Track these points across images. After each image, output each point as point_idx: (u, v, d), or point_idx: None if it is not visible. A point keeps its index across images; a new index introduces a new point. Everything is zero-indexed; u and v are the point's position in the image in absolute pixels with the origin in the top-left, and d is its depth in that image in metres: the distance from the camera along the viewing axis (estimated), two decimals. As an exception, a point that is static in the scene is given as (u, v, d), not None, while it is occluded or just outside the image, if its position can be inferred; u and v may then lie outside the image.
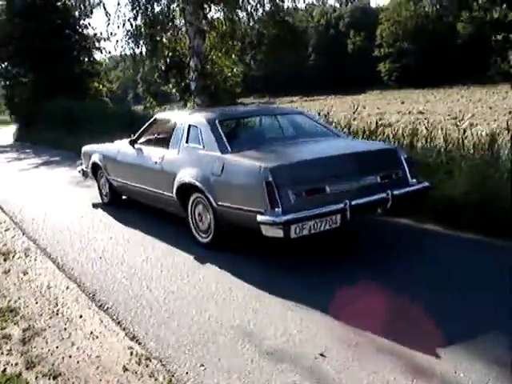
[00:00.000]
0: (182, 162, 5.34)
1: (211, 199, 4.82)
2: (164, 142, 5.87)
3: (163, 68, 18.19)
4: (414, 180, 5.07)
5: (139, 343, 3.40)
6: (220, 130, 5.10)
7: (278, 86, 61.46)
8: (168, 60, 17.75)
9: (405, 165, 5.05)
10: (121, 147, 6.70)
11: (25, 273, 5.00)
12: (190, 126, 5.44)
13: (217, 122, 5.21)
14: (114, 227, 6.31)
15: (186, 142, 5.40)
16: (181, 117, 5.71)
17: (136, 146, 6.35)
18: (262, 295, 3.96)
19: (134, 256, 5.15)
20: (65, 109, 20.29)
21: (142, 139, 6.45)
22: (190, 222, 5.31)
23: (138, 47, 14.30)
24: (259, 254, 4.84)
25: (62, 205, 7.94)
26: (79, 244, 5.72)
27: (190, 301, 3.96)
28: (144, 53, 14.61)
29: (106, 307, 4.01)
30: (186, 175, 5.15)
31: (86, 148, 8.04)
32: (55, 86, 23.50)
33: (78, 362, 3.28)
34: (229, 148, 4.89)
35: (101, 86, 28.75)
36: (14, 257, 5.52)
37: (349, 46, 63.77)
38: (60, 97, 21.95)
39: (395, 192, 4.67)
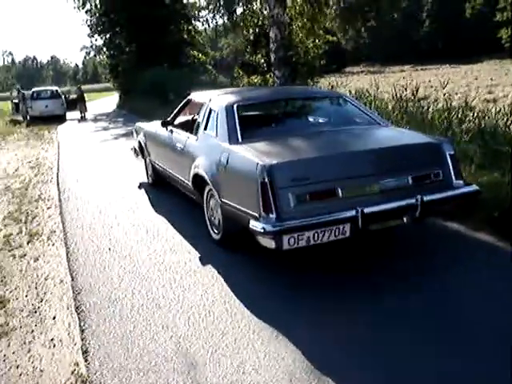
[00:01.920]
0: (199, 150, 4.91)
1: (216, 194, 4.35)
2: (191, 125, 5.46)
3: (252, 38, 17.76)
4: (460, 181, 4.23)
5: (86, 360, 3.08)
6: (236, 116, 4.55)
7: (390, 54, 58.41)
8: (257, 30, 17.27)
9: (449, 163, 4.21)
10: (158, 128, 6.39)
11: (36, 259, 4.91)
12: (210, 110, 4.96)
13: (235, 107, 4.67)
14: (142, 212, 6.07)
15: (205, 127, 4.95)
16: (208, 99, 5.23)
17: (169, 127, 5.99)
18: (243, 315, 3.46)
19: (141, 249, 4.85)
20: (156, 78, 20.65)
21: (177, 120, 6.09)
22: (206, 215, 4.89)
23: (220, 17, 13.95)
24: (276, 260, 4.18)
25: (113, 182, 7.91)
26: (100, 230, 5.55)
27: (164, 313, 3.57)
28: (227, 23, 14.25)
29: (81, 309, 3.75)
30: (199, 165, 4.73)
31: (137, 125, 7.89)
32: (154, 56, 23.99)
33: (20, 375, 3.04)
34: (239, 138, 4.36)
35: (200, 55, 28.97)
36: (37, 239, 5.48)
37: (467, 10, 58.53)
38: (158, 66, 22.36)
39: (428, 197, 3.88)
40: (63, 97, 21.44)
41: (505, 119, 7.96)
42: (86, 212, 6.33)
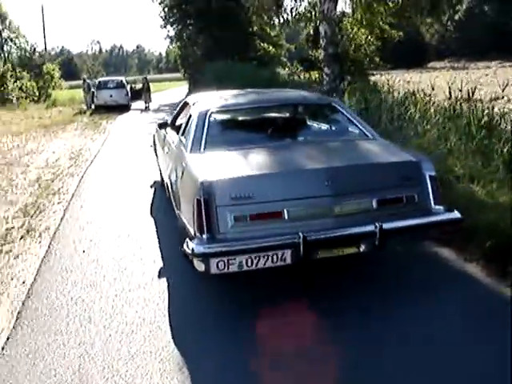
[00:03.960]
0: (174, 156, 4.76)
1: (173, 205, 4.19)
2: (180, 130, 5.32)
3: (312, 33, 17.37)
4: (440, 207, 3.79)
5: (-10, 375, 3.03)
6: (206, 124, 4.34)
7: (478, 49, 55.15)
8: (318, 24, 16.86)
9: (428, 185, 3.79)
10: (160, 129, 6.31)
11: (16, 256, 4.99)
12: (190, 115, 4.79)
13: (208, 113, 4.46)
14: (138, 213, 6.03)
15: (182, 133, 4.78)
16: (193, 102, 5.06)
17: (167, 129, 5.89)
18: (162, 342, 3.27)
19: (112, 254, 4.79)
20: (220, 71, 20.74)
21: (174, 123, 5.97)
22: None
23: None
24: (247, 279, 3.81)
25: (133, 178, 7.97)
26: (89, 230, 5.57)
27: (90, 328, 3.46)
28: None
29: (20, 315, 3.71)
30: (169, 172, 4.59)
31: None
32: (222, 48, 24.12)
33: None
34: (202, 147, 4.14)
35: (270, 47, 28.83)
36: (30, 235, 5.58)
37: None
38: (223, 58, 22.45)
39: (389, 225, 3.50)
40: (128, 87, 22.06)
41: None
42: (88, 210, 6.40)
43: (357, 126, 4.62)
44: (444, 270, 4.21)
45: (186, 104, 5.80)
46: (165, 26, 27.28)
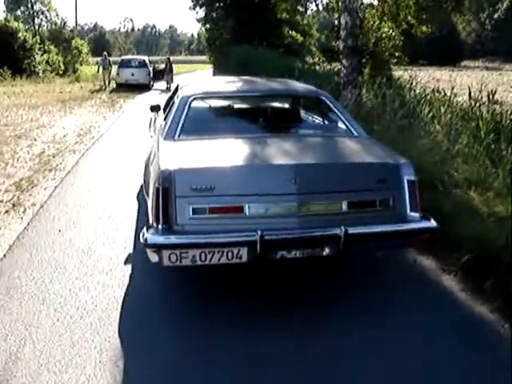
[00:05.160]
0: (153, 142, 4.66)
1: (144, 191, 4.10)
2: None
3: (336, 23, 17.02)
4: (416, 214, 3.60)
5: None
6: (186, 109, 4.21)
7: (516, 48, 53.59)
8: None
9: (405, 190, 3.59)
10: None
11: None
12: (173, 100, 4.68)
13: (190, 99, 4.33)
14: (124, 195, 5.96)
15: (165, 118, 4.68)
16: (181, 87, 4.94)
17: (159, 112, 5.78)
18: (107, 331, 3.20)
19: (87, 236, 4.73)
20: (244, 56, 20.54)
21: (166, 107, 5.85)
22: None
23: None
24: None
25: (132, 158, 7.87)
26: (72, 208, 5.55)
27: (39, 310, 3.40)
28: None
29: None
30: (146, 157, 4.49)
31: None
32: (249, 33, 23.89)
33: None
34: (177, 134, 4.02)
35: (298, 36, 28.51)
36: (15, 210, 5.56)
37: None
38: (247, 43, 22.24)
39: (355, 230, 3.33)
40: (151, 67, 22.02)
41: None
42: (78, 188, 6.39)
43: (343, 121, 4.41)
44: (417, 279, 4.04)
45: (177, 88, 5.68)
46: (194, 8, 27.17)
